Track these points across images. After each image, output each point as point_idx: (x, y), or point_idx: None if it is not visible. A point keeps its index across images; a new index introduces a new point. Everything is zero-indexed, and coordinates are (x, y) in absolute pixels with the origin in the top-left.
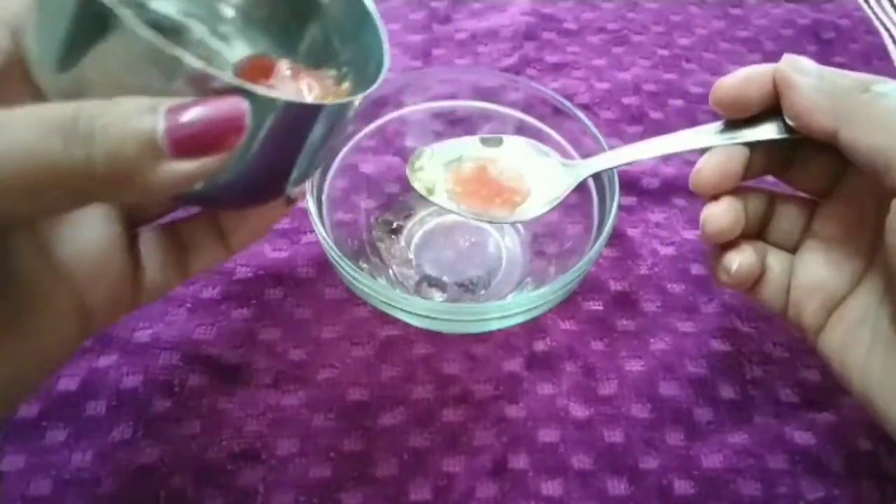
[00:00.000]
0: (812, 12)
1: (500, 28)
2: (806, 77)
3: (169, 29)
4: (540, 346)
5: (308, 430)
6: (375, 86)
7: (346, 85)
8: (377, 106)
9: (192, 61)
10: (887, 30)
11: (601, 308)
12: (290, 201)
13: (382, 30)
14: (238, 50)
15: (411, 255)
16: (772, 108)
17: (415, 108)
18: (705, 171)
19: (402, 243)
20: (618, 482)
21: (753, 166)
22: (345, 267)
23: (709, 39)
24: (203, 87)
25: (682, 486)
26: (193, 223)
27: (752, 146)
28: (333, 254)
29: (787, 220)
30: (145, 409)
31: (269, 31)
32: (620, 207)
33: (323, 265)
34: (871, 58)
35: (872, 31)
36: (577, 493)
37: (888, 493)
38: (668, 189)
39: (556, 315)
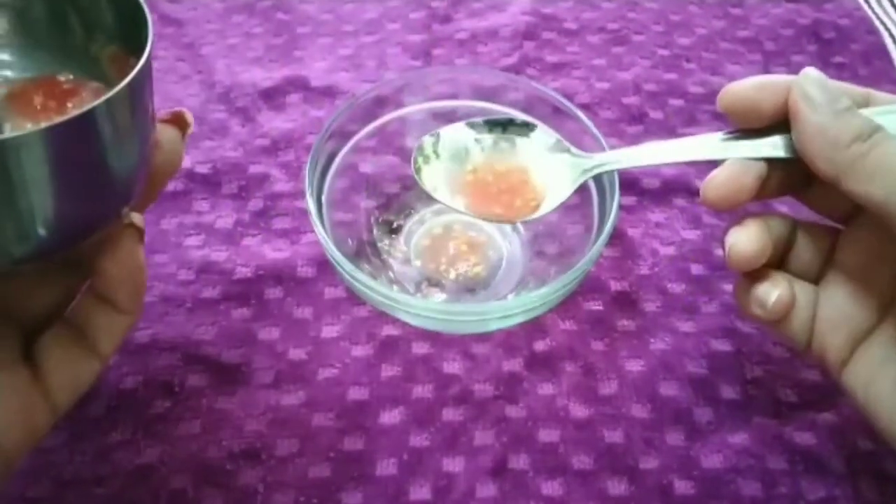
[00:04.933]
0: (812, 12)
1: (500, 28)
2: (815, 115)
3: None
4: (540, 346)
5: (308, 429)
6: (126, 81)
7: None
8: (377, 105)
9: None
10: (887, 30)
11: (601, 308)
12: (136, 229)
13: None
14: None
15: (411, 255)
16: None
17: (415, 108)
18: (716, 183)
19: (402, 243)
20: (618, 482)
21: (771, 182)
22: (344, 267)
23: (709, 39)
24: None
25: (682, 487)
26: (79, 303)
27: (770, 161)
28: (333, 254)
29: (810, 248)
30: (145, 409)
31: (41, 46)
32: (621, 207)
33: (323, 265)
34: (871, 58)
35: (872, 31)
36: (577, 494)
37: (888, 494)
38: (668, 189)
39: (556, 315)
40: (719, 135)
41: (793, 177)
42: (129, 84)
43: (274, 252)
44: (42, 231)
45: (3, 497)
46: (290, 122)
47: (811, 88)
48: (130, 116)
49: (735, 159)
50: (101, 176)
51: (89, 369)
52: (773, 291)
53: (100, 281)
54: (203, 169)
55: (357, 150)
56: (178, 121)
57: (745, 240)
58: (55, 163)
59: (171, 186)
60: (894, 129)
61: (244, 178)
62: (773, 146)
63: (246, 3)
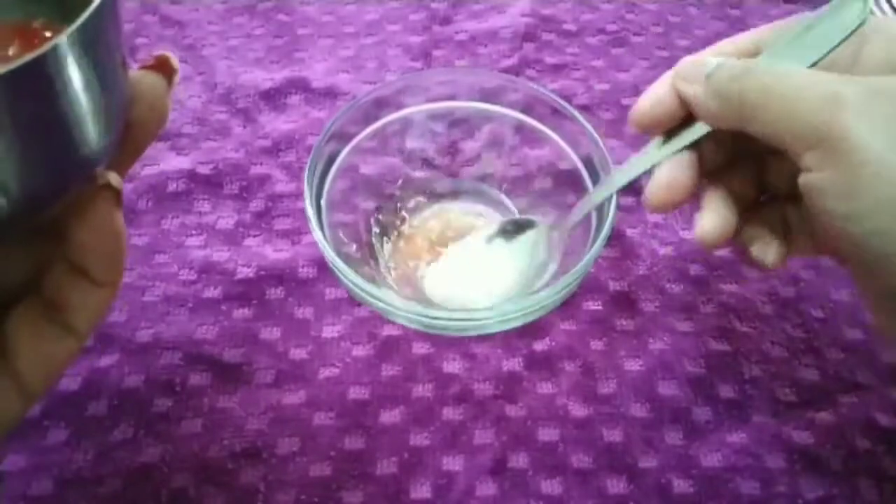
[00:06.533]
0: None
1: (500, 29)
2: (694, 85)
3: None
4: (539, 345)
5: (309, 429)
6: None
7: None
8: (377, 107)
9: None
10: None
11: (600, 308)
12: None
13: None
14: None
15: (411, 257)
16: None
17: (415, 109)
18: (657, 191)
19: (402, 244)
20: (617, 481)
21: (711, 159)
22: (344, 272)
23: (707, 41)
24: None
25: (680, 486)
26: (51, 275)
27: (699, 144)
28: (332, 259)
29: (781, 165)
30: (146, 408)
31: None
32: (619, 208)
33: (323, 265)
34: None
35: None
36: (576, 492)
37: (886, 492)
38: None
39: (556, 315)
40: (654, 141)
41: (732, 143)
42: (85, 23)
43: (275, 252)
44: (0, 197)
45: (4, 495)
46: (291, 123)
47: (683, 70)
48: (91, 61)
49: (663, 164)
50: (61, 132)
51: (65, 349)
52: (767, 252)
53: (72, 249)
54: (204, 169)
55: (357, 151)
56: (161, 66)
57: (710, 227)
58: (7, 117)
59: (173, 187)
60: (791, 50)
61: (245, 179)
62: (692, 131)
63: (247, 4)
